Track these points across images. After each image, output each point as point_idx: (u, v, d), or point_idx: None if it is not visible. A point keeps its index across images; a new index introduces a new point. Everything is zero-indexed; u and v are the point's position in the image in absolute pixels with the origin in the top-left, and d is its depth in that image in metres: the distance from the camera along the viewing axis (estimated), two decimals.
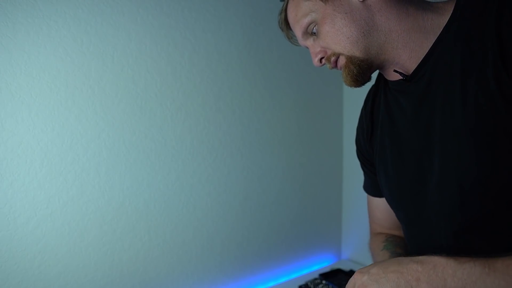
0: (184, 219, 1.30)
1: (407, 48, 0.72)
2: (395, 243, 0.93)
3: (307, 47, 0.81)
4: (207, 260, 1.36)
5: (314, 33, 0.77)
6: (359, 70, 0.74)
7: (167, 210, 1.27)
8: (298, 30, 0.79)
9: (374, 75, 0.91)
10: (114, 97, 1.16)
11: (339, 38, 0.73)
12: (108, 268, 1.17)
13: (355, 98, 1.64)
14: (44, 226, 1.07)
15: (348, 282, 0.68)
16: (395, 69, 0.76)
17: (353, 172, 1.67)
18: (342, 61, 0.75)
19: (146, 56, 1.21)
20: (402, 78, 0.75)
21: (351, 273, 1.49)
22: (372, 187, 0.98)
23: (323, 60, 0.78)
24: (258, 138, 1.45)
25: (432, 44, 0.71)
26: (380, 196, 0.96)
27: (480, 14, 0.65)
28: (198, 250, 1.34)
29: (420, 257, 0.62)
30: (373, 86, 0.93)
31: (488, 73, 0.62)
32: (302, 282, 1.46)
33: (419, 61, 0.72)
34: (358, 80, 0.76)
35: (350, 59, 0.74)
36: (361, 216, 1.62)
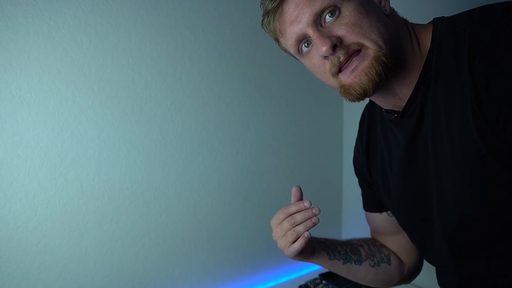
0: (184, 219, 1.30)
1: (409, 72, 0.69)
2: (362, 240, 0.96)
3: (303, 37, 0.68)
4: (207, 260, 1.36)
5: (330, 15, 0.65)
6: (389, 68, 0.64)
7: (167, 210, 1.27)
8: (312, 7, 0.65)
9: None
10: (114, 97, 1.16)
11: (372, 29, 0.64)
12: (108, 268, 1.17)
13: None
14: (44, 226, 1.07)
15: None
16: (386, 108, 0.74)
17: (353, 172, 1.66)
18: (367, 56, 0.64)
19: (146, 56, 1.21)
20: (393, 114, 0.73)
21: None
22: (368, 203, 0.99)
23: (337, 50, 0.64)
24: (258, 138, 1.45)
25: (417, 79, 0.68)
26: (373, 211, 0.97)
27: (455, 52, 0.63)
28: (198, 250, 1.34)
29: None
30: (366, 109, 0.91)
31: (468, 118, 0.61)
32: (302, 282, 1.45)
33: (413, 88, 0.69)
34: (381, 82, 0.64)
35: (382, 53, 0.63)
36: (361, 216, 1.61)
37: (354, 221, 1.69)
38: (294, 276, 1.54)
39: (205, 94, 1.32)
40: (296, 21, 0.67)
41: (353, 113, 1.66)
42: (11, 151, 1.02)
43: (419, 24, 0.73)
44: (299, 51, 0.71)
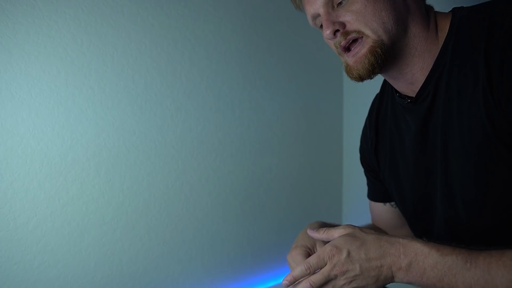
0: (184, 219, 1.30)
1: (421, 58, 0.71)
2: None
3: (317, 15, 0.73)
4: (207, 260, 1.36)
5: (340, 3, 0.69)
6: (384, 59, 0.68)
7: (167, 210, 1.27)
8: None
9: (379, 83, 0.91)
10: (114, 97, 1.16)
11: (374, 18, 0.67)
12: (108, 268, 1.17)
13: (355, 98, 1.64)
14: (44, 226, 1.07)
15: (322, 251, 0.63)
16: (400, 93, 0.76)
17: (353, 172, 1.67)
18: (366, 44, 0.68)
19: (146, 56, 1.21)
20: (407, 100, 0.75)
21: None
22: (373, 193, 1.00)
23: (338, 34, 0.69)
24: (258, 138, 1.45)
25: (433, 63, 0.70)
26: (377, 200, 0.98)
27: (473, 38, 0.65)
28: (198, 250, 1.34)
29: (405, 242, 0.61)
30: (377, 95, 0.92)
31: (478, 99, 0.63)
32: None
33: (427, 74, 0.71)
34: (375, 70, 0.69)
35: (378, 44, 0.68)
36: (361, 216, 1.61)
37: (354, 221, 1.69)
38: None
39: (205, 94, 1.32)
40: (312, 1, 0.72)
41: (353, 113, 1.66)
42: (11, 151, 1.02)
43: (441, 12, 0.74)
44: (316, 25, 0.76)
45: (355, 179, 1.66)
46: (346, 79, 1.68)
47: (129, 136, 1.19)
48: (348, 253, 0.61)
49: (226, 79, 1.36)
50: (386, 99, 0.88)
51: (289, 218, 1.55)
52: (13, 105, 1.01)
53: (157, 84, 1.23)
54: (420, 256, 0.59)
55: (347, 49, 0.71)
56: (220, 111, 1.36)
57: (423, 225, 0.82)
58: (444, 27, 0.71)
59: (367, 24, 0.68)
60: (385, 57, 0.68)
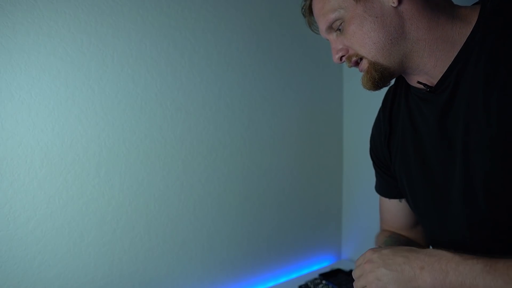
0: (184, 219, 1.30)
1: (433, 57, 0.71)
2: (396, 239, 0.94)
3: (328, 40, 0.79)
4: (207, 260, 1.36)
5: (339, 29, 0.75)
6: (381, 77, 0.73)
7: (167, 210, 1.27)
8: (322, 23, 0.76)
9: None
10: (114, 97, 1.16)
11: (365, 41, 0.71)
12: (108, 268, 1.17)
13: (355, 98, 1.64)
14: (44, 226, 1.07)
15: (359, 257, 0.73)
16: (419, 80, 0.75)
17: (353, 172, 1.66)
18: (364, 65, 0.74)
19: (146, 56, 1.21)
20: (425, 89, 0.74)
21: (351, 273, 1.49)
22: (383, 188, 0.98)
23: (344, 58, 0.77)
24: (258, 138, 1.45)
25: (456, 54, 0.69)
26: (390, 197, 0.96)
27: (505, 26, 0.64)
28: (198, 250, 1.34)
29: (430, 250, 0.66)
30: (391, 87, 0.91)
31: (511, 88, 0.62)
32: (302, 282, 1.45)
33: (444, 70, 0.71)
34: (379, 85, 0.75)
35: (373, 65, 0.72)
36: (361, 216, 1.62)
37: (354, 221, 1.69)
38: (294, 276, 1.54)
39: (205, 94, 1.32)
40: (320, 27, 0.79)
41: (353, 113, 1.66)
42: (11, 151, 1.02)
43: (465, 6, 0.73)
44: None
45: (355, 179, 1.65)
46: (346, 78, 1.68)
47: (129, 136, 1.19)
48: (375, 252, 0.71)
49: (226, 79, 1.36)
50: (399, 91, 0.87)
51: (289, 218, 1.55)
52: (13, 105, 1.01)
53: (157, 84, 1.23)
54: (443, 260, 0.62)
55: (358, 64, 0.77)
56: (220, 111, 1.36)
57: (435, 219, 0.81)
58: (471, 20, 0.69)
59: (361, 46, 0.73)
60: (383, 74, 0.73)
